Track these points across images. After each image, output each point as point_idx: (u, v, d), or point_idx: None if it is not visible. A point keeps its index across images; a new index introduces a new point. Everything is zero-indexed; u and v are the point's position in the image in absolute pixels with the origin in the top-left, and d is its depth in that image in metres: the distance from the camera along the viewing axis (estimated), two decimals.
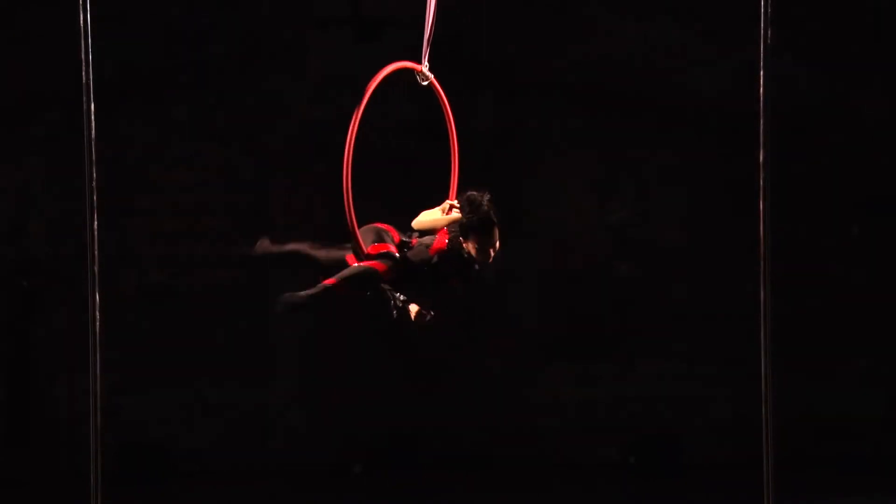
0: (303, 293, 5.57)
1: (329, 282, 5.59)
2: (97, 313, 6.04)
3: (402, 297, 5.64)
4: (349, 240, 5.61)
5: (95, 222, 6.03)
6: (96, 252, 6.04)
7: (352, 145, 5.76)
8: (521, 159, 9.81)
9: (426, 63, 5.85)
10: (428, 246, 5.65)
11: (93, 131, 5.99)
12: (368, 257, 5.57)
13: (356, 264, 5.62)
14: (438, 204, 5.75)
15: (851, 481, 9.11)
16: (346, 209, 5.59)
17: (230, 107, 9.82)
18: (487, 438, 9.61)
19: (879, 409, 9.68)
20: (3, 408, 9.77)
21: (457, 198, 5.77)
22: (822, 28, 9.69)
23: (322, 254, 5.89)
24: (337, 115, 9.78)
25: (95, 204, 6.02)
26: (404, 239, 5.70)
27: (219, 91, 9.81)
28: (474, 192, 5.64)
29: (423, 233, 5.69)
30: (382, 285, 5.63)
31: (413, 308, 5.61)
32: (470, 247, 5.52)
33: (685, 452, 9.69)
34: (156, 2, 9.55)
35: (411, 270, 5.62)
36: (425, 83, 5.84)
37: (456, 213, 5.66)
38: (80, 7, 5.91)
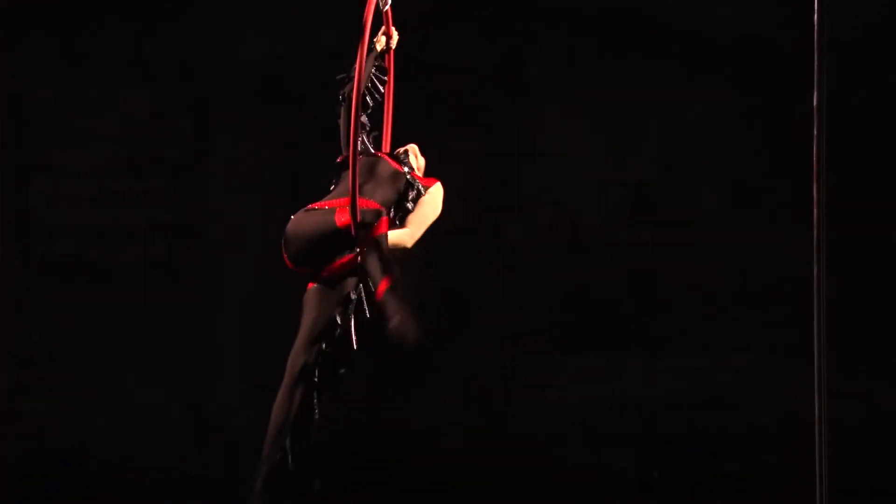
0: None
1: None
2: (1, 295, 6.05)
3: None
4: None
5: None
6: None
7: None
8: (519, 103, 9.88)
9: None
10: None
11: None
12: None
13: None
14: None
15: None
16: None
17: (159, 40, 9.87)
18: (478, 445, 9.68)
19: None
20: None
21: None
22: None
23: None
24: (286, 52, 9.87)
25: None
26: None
27: (146, 20, 9.85)
28: None
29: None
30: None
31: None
32: None
33: (719, 463, 9.78)
34: None
35: None
36: (385, 6, 6.02)
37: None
38: None
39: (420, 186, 6.02)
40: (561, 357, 9.99)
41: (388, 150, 6.22)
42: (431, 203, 6.04)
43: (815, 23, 6.21)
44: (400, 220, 6.04)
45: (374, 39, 6.01)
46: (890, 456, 9.57)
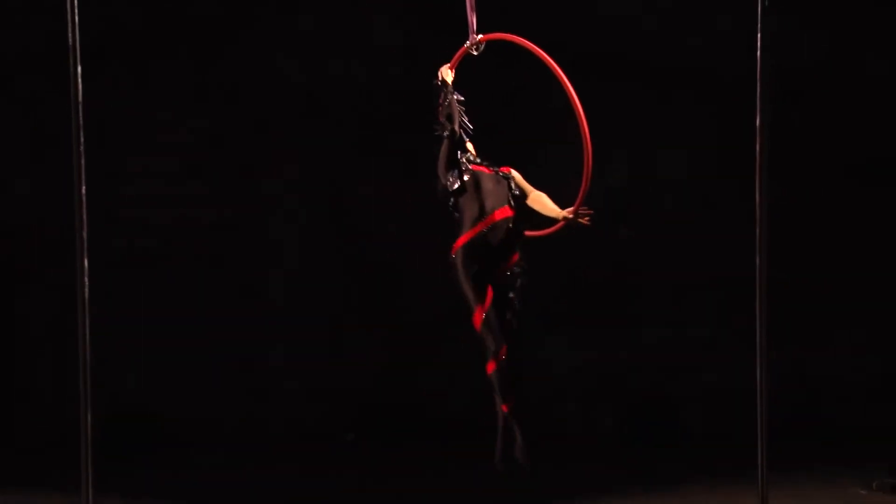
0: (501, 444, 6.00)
1: (504, 408, 5.95)
2: (85, 279, 6.12)
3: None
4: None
5: (83, 187, 6.10)
6: (84, 217, 6.12)
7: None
8: (522, 121, 9.86)
9: (475, 35, 6.04)
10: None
11: (79, 93, 6.05)
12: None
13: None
14: None
15: (842, 447, 9.22)
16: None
17: (214, 67, 9.88)
18: (475, 406, 9.68)
19: (871, 378, 9.79)
20: None
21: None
22: None
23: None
24: (321, 77, 9.89)
25: (83, 168, 6.09)
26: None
27: (202, 51, 9.86)
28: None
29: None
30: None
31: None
32: None
33: (679, 418, 9.82)
34: None
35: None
36: (477, 52, 6.08)
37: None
38: None
39: (510, 177, 6.04)
40: (556, 331, 9.97)
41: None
42: (525, 182, 6.10)
43: (759, 57, 6.31)
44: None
45: (441, 75, 5.99)
46: (814, 411, 9.63)
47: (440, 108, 5.95)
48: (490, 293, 5.91)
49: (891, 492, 8.29)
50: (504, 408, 5.98)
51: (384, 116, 9.75)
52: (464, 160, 5.98)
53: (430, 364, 9.77)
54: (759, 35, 6.31)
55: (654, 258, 9.95)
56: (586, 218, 6.14)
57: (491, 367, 5.93)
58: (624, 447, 9.58)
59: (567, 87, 6.05)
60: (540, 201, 6.11)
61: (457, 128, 5.88)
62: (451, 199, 5.93)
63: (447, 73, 6.00)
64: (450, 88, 5.98)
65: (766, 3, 6.29)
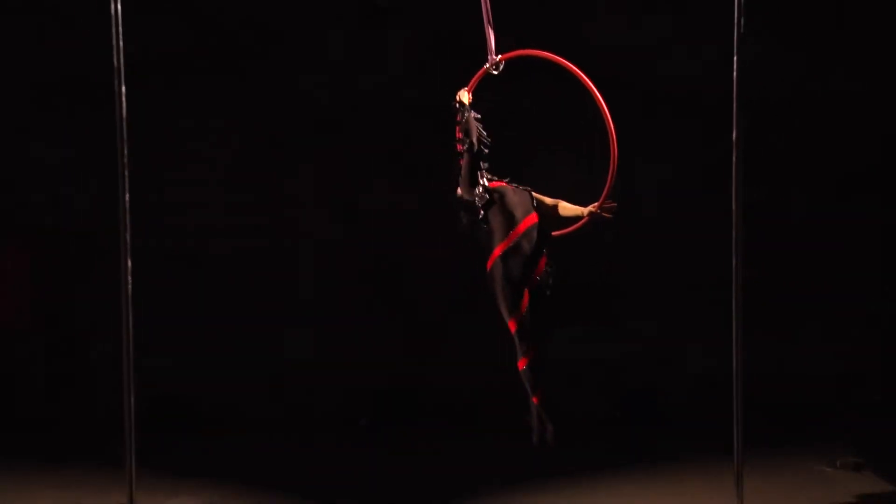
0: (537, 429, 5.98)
1: (535, 401, 5.95)
2: (129, 277, 6.18)
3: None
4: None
5: (127, 195, 6.16)
6: (128, 222, 6.18)
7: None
8: (519, 136, 9.71)
9: (494, 56, 5.98)
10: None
11: (123, 110, 6.11)
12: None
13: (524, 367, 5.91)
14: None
15: (810, 429, 9.25)
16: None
17: (247, 88, 9.88)
18: (483, 393, 9.71)
19: (837, 367, 9.82)
20: (48, 365, 9.88)
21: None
22: (790, 20, 9.74)
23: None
24: (346, 97, 9.90)
25: (127, 178, 6.15)
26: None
27: (236, 74, 9.86)
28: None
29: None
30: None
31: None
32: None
33: (663, 404, 9.82)
34: None
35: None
36: (497, 72, 6.01)
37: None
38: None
39: (528, 188, 6.01)
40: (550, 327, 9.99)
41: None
42: (540, 195, 6.04)
43: (735, 78, 6.35)
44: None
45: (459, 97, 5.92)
46: (785, 397, 9.64)
47: (458, 127, 5.88)
48: (526, 298, 5.88)
49: (852, 469, 8.34)
50: (535, 400, 5.97)
51: (399, 130, 9.76)
52: (485, 174, 5.89)
53: (437, 355, 9.79)
54: (735, 58, 6.36)
55: (639, 260, 9.95)
56: (608, 214, 6.11)
57: (522, 364, 5.91)
58: (614, 429, 9.61)
59: (593, 91, 6.08)
60: (562, 206, 6.07)
61: (475, 140, 5.80)
62: (480, 213, 5.84)
63: (465, 95, 5.93)
64: (467, 107, 5.90)
65: (742, 31, 6.34)
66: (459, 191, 5.94)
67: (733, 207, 6.44)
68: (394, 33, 9.81)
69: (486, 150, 5.86)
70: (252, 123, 9.89)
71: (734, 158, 6.43)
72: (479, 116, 5.88)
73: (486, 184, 5.85)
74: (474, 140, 5.81)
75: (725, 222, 6.45)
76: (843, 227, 9.85)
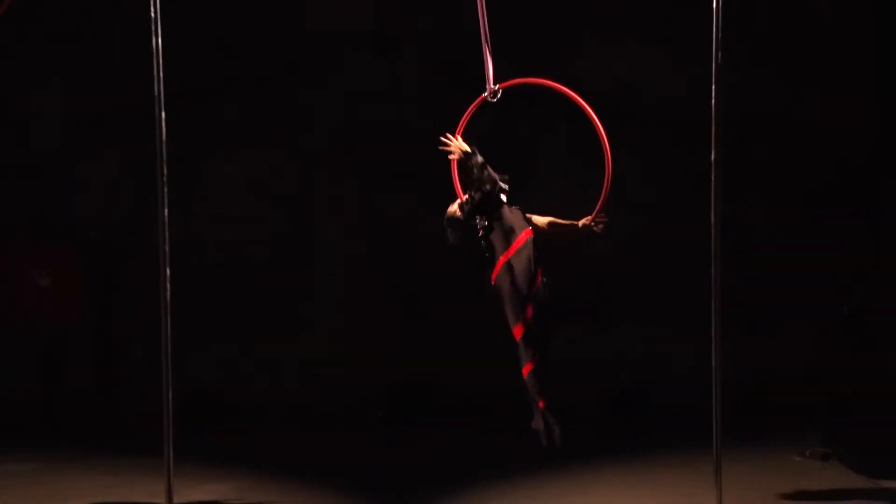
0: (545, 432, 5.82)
1: (541, 404, 5.81)
2: (167, 284, 6.20)
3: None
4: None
5: (166, 210, 6.18)
6: (167, 234, 6.20)
7: None
8: (516, 159, 9.72)
9: (492, 85, 5.93)
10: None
11: (163, 134, 6.14)
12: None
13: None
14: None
15: (782, 422, 9.24)
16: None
17: (273, 113, 9.92)
18: (488, 388, 9.70)
19: (807, 366, 9.79)
20: (93, 362, 9.90)
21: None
22: (764, 49, 9.78)
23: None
24: (361, 120, 9.93)
25: (166, 195, 6.17)
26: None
27: (263, 100, 9.90)
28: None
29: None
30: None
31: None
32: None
33: (650, 398, 9.85)
34: (213, 29, 9.64)
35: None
36: (494, 99, 5.94)
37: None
38: (154, 35, 6.05)
39: (521, 209, 5.94)
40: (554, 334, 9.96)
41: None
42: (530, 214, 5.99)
43: (713, 104, 6.36)
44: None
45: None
46: (760, 393, 9.67)
47: (471, 175, 5.71)
48: (531, 309, 5.78)
49: (821, 459, 8.33)
50: (541, 404, 5.85)
51: (410, 149, 9.79)
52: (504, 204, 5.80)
53: (447, 357, 9.78)
54: (713, 86, 6.37)
55: (627, 268, 9.95)
56: (601, 225, 5.99)
57: (527, 370, 5.80)
58: (604, 423, 9.62)
59: (590, 114, 6.01)
60: (554, 222, 5.98)
61: (490, 186, 5.64)
62: (482, 240, 5.76)
63: (462, 144, 5.78)
64: (473, 153, 5.73)
65: (720, 60, 6.34)
66: (452, 209, 5.90)
67: (712, 220, 6.43)
68: (406, 62, 9.85)
69: (506, 188, 5.77)
70: (277, 143, 9.93)
71: (713, 176, 6.42)
72: (481, 160, 5.74)
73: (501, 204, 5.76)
74: (489, 187, 5.67)
75: (706, 234, 6.46)
76: (813, 236, 9.85)
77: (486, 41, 5.94)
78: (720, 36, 6.28)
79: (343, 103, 9.84)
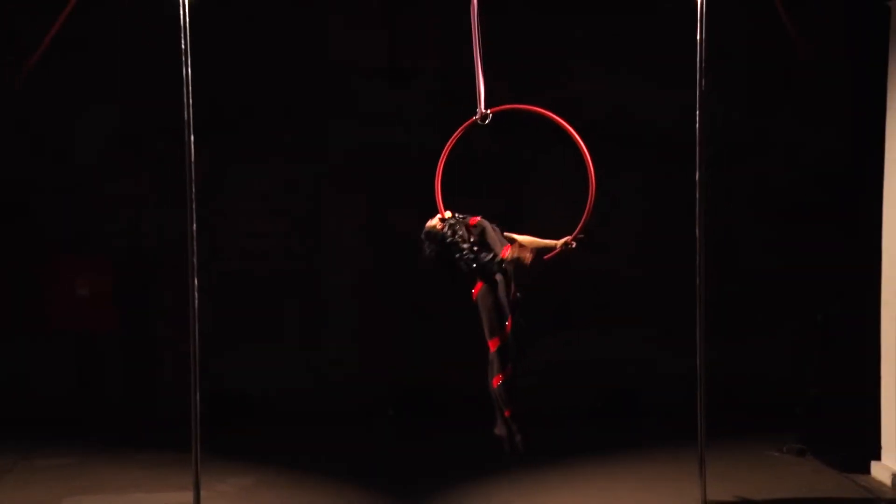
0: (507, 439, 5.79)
1: (507, 413, 5.77)
2: (195, 292, 6.22)
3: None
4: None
5: (194, 224, 6.22)
6: (194, 246, 6.23)
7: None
8: (515, 179, 9.87)
9: (483, 109, 5.92)
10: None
11: (192, 155, 6.18)
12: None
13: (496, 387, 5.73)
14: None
15: (762, 420, 9.25)
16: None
17: (293, 136, 9.92)
18: (487, 391, 9.65)
19: (784, 367, 9.78)
20: (125, 364, 9.90)
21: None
22: (744, 79, 9.80)
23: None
24: (375, 145, 9.92)
25: (194, 210, 6.20)
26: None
27: (285, 124, 9.91)
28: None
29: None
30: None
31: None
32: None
33: (639, 398, 9.83)
34: (239, 60, 9.62)
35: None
36: (484, 122, 5.92)
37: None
38: (184, 66, 6.10)
39: (501, 228, 5.94)
40: (542, 335, 9.92)
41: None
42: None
43: (698, 129, 6.40)
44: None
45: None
46: (741, 393, 9.62)
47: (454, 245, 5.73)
48: (510, 323, 5.71)
49: (797, 454, 8.33)
50: (507, 413, 5.79)
51: (419, 171, 9.79)
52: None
53: (452, 357, 9.76)
54: (698, 111, 6.41)
55: (620, 277, 9.94)
56: (574, 244, 5.89)
57: (497, 382, 5.73)
58: (598, 421, 9.59)
59: (576, 138, 5.96)
60: (531, 240, 5.88)
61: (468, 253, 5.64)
62: (466, 264, 5.74)
63: (437, 222, 5.80)
64: (453, 223, 5.75)
65: (703, 87, 6.39)
66: (431, 223, 5.85)
67: (697, 234, 6.47)
68: (414, 92, 9.87)
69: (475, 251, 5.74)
70: (296, 164, 9.93)
71: (698, 193, 6.46)
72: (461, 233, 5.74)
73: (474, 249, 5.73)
74: (466, 253, 5.69)
75: (693, 246, 6.48)
76: (790, 250, 9.85)
77: (479, 67, 5.91)
78: (704, 66, 6.32)
79: (356, 127, 9.81)
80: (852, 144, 9.30)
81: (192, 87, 6.12)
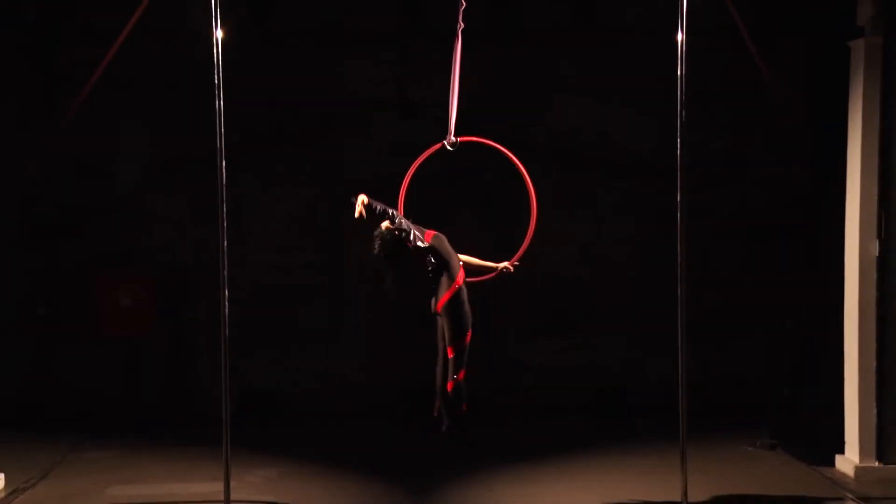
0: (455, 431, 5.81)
1: (464, 407, 5.84)
2: (226, 302, 6.21)
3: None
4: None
5: (225, 241, 6.20)
6: (226, 260, 6.22)
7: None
8: (512, 199, 9.74)
9: (452, 137, 5.96)
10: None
11: (223, 179, 6.17)
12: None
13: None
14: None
15: (737, 418, 9.18)
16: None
17: (313, 161, 9.90)
18: (491, 391, 9.65)
19: (758, 370, 9.74)
20: (164, 366, 9.87)
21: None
22: (721, 111, 9.74)
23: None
24: (389, 171, 9.90)
25: (225, 228, 6.19)
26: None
27: (306, 151, 9.89)
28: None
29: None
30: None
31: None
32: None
33: (627, 400, 9.76)
34: (264, 93, 9.59)
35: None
36: (452, 148, 6.01)
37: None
38: (217, 98, 6.09)
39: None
40: (539, 340, 9.90)
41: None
42: None
43: (679, 155, 6.36)
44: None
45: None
46: (719, 393, 9.52)
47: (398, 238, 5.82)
48: (469, 336, 5.78)
49: (768, 448, 8.28)
50: (461, 410, 5.87)
51: (421, 194, 9.77)
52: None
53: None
54: (678, 139, 6.38)
55: (607, 290, 9.87)
56: (511, 268, 6.04)
57: (451, 386, 5.81)
58: (588, 420, 9.52)
59: (524, 174, 6.08)
60: (470, 259, 6.03)
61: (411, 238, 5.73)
62: (430, 274, 5.86)
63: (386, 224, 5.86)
64: (399, 223, 5.81)
65: (683, 118, 6.36)
66: (385, 224, 5.89)
67: (678, 249, 6.43)
68: (422, 122, 9.85)
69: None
70: (316, 186, 9.89)
71: (679, 213, 6.43)
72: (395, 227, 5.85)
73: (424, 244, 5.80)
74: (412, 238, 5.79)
75: (673, 261, 6.44)
76: (762, 265, 9.79)
77: (454, 100, 5.96)
78: (684, 98, 6.30)
79: (371, 154, 9.79)
80: (816, 172, 9.27)
81: (223, 118, 6.14)
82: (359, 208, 5.73)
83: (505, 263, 6.03)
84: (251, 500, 7.04)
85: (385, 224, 5.89)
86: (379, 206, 5.77)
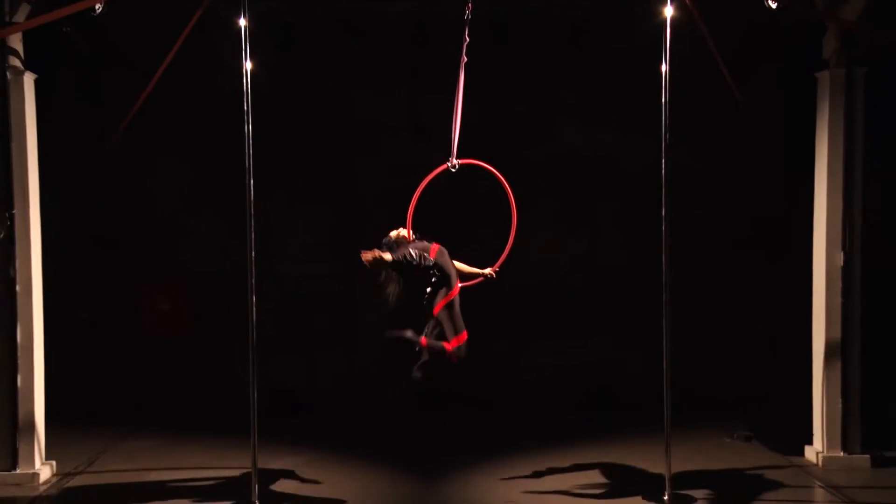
0: (409, 336, 5.86)
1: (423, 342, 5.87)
2: (254, 308, 6.19)
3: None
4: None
5: (253, 252, 6.19)
6: (253, 270, 6.20)
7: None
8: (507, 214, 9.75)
9: (454, 160, 5.98)
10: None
11: (251, 196, 6.16)
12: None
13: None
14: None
15: (716, 412, 9.11)
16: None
17: (332, 181, 9.86)
18: (494, 388, 9.63)
19: (737, 369, 9.69)
20: (199, 367, 9.84)
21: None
22: (702, 135, 9.69)
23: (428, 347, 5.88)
24: (401, 189, 9.88)
25: (253, 241, 6.18)
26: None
27: (326, 171, 9.85)
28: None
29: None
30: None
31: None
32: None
33: (616, 396, 9.71)
34: (289, 119, 9.59)
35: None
36: (454, 170, 6.04)
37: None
38: (246, 123, 6.08)
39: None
40: (538, 342, 9.83)
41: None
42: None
43: (664, 175, 6.33)
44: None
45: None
46: (700, 390, 9.46)
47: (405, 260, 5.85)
48: (464, 334, 5.86)
49: (744, 440, 8.22)
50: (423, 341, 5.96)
51: (432, 211, 9.75)
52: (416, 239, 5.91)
53: (466, 362, 9.67)
54: (663, 160, 6.35)
55: (599, 296, 9.81)
56: (494, 275, 6.09)
57: (450, 346, 5.89)
58: (581, 413, 9.46)
59: (509, 194, 6.06)
60: (462, 266, 6.08)
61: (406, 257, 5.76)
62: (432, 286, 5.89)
63: (374, 254, 5.89)
64: (399, 244, 5.93)
65: (668, 140, 6.33)
66: (393, 233, 5.90)
67: (663, 259, 6.40)
68: (432, 145, 9.82)
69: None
70: (334, 203, 9.86)
71: (664, 227, 6.40)
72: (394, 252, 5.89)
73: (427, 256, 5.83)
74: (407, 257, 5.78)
75: (659, 269, 6.40)
76: (738, 274, 9.74)
77: (456, 124, 5.98)
78: (668, 123, 6.29)
79: (384, 174, 9.77)
80: (787, 191, 9.26)
81: (251, 143, 6.15)
82: (369, 258, 5.73)
83: (488, 270, 6.13)
84: (278, 488, 6.98)
85: (394, 233, 5.86)
86: (393, 257, 5.74)
